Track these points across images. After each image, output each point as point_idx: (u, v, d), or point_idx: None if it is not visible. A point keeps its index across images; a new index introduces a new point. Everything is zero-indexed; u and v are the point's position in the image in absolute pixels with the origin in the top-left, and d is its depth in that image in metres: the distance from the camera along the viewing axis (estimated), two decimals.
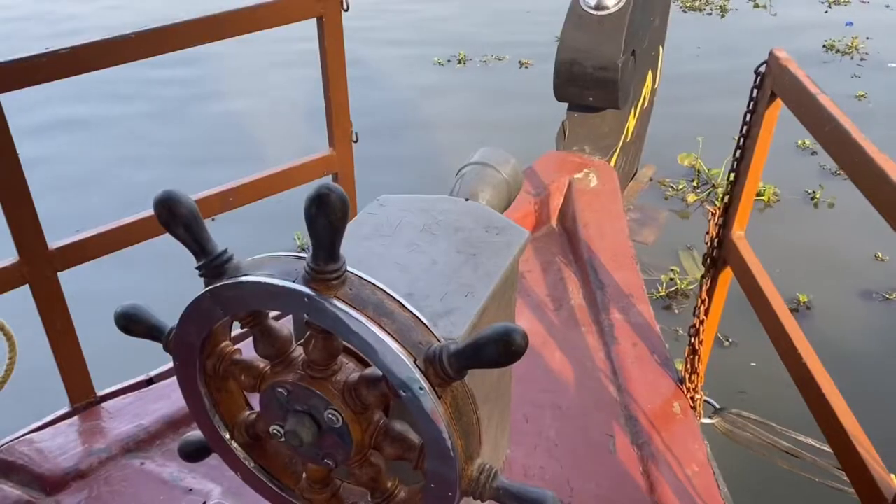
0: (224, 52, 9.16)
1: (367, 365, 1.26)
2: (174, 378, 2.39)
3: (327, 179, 1.89)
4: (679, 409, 2.23)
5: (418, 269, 1.45)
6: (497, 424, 1.83)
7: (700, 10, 10.83)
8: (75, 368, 2.21)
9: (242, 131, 7.59)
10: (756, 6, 10.83)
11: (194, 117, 7.96)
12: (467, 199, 1.70)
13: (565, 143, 3.76)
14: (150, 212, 2.24)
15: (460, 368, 1.06)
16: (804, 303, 4.76)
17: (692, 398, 2.35)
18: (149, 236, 2.19)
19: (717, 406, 2.61)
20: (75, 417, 2.21)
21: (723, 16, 10.63)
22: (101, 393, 2.31)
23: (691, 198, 6.06)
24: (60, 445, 2.06)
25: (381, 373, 1.17)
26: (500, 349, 1.00)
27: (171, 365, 2.47)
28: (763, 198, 5.90)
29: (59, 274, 2.07)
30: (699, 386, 2.38)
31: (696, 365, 2.37)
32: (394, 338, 1.08)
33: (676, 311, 4.69)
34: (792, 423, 2.65)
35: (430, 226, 1.58)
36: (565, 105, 3.78)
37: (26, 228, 1.99)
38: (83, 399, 2.26)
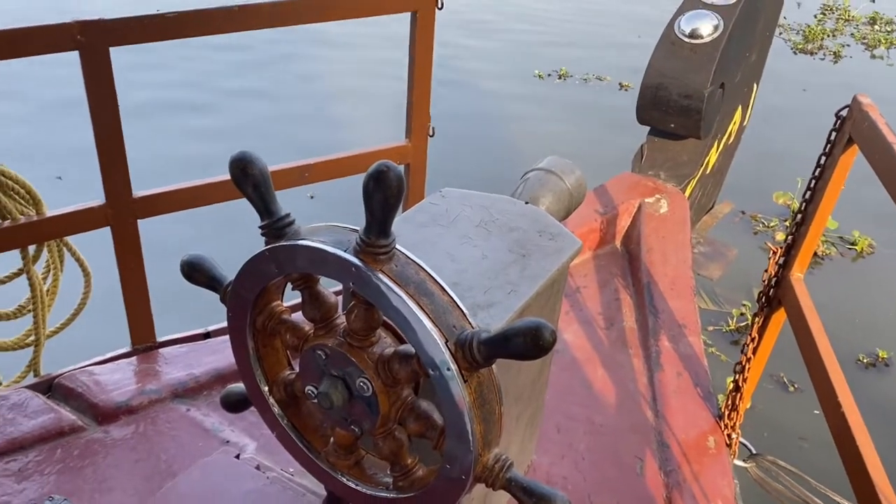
0: (325, 37, 9.45)
1: (402, 342, 1.32)
2: (228, 336, 2.52)
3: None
4: (713, 444, 2.21)
5: (467, 261, 1.49)
6: (526, 426, 1.86)
7: (812, 54, 10.56)
8: (141, 312, 2.35)
9: (330, 114, 7.80)
10: (873, 57, 10.48)
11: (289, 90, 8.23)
12: (527, 203, 1.73)
13: (641, 166, 3.75)
14: (227, 176, 2.37)
15: (489, 356, 1.10)
16: (883, 359, 4.65)
17: (729, 436, 2.32)
18: (223, 199, 2.31)
19: (754, 451, 2.56)
20: (134, 358, 2.35)
21: (835, 61, 10.34)
22: (160, 339, 2.45)
23: (779, 236, 5.97)
24: (116, 381, 2.19)
25: (413, 350, 1.22)
26: (528, 342, 1.04)
27: (226, 323, 2.59)
28: (856, 247, 5.85)
29: (138, 221, 2.20)
30: (737, 424, 2.35)
31: (738, 403, 2.34)
32: (430, 317, 1.13)
33: None
34: (840, 482, 2.58)
35: (486, 222, 1.62)
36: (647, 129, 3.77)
37: (116, 176, 2.13)
38: (143, 342, 2.40)
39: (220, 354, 2.35)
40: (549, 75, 9.29)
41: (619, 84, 9.04)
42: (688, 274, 3.07)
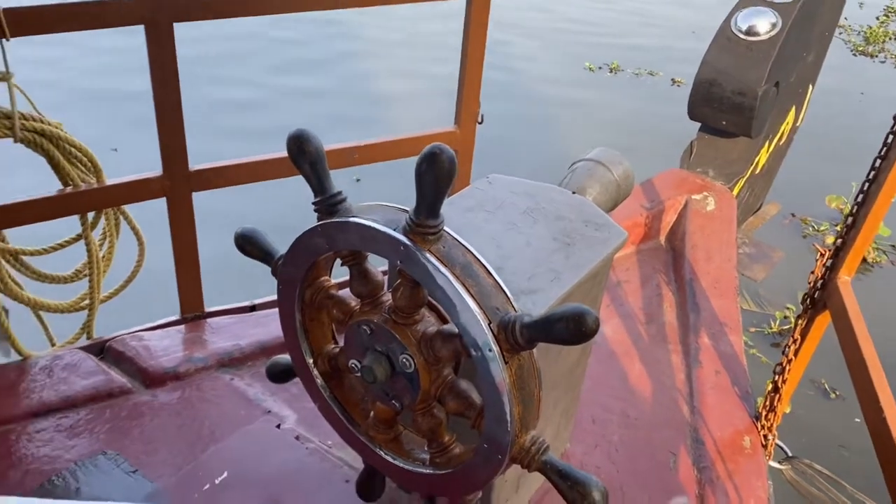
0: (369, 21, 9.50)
1: (445, 322, 1.35)
2: (274, 309, 2.58)
3: None
4: (749, 444, 2.20)
5: (512, 247, 1.51)
6: (562, 414, 1.88)
7: (872, 57, 10.28)
8: (191, 282, 2.42)
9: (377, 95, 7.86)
10: None
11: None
12: (574, 193, 1.74)
13: (690, 162, 3.71)
14: (281, 154, 2.43)
15: (530, 339, 1.12)
16: None
17: (765, 437, 2.31)
18: (275, 176, 2.37)
19: (790, 453, 2.54)
20: (182, 326, 2.42)
21: None
22: (208, 309, 2.52)
23: (829, 240, 5.87)
24: (165, 347, 2.26)
25: (456, 330, 1.25)
26: (572, 328, 1.06)
27: (272, 297, 2.66)
28: None
29: (193, 194, 2.27)
30: (774, 426, 2.33)
31: (776, 404, 2.32)
32: (474, 299, 1.15)
33: None
34: (880, 491, 2.55)
35: (532, 210, 1.64)
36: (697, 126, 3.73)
37: (174, 149, 2.19)
38: (192, 311, 2.47)
39: (265, 327, 2.41)
40: (601, 68, 9.23)
41: (672, 80, 8.93)
42: (732, 273, 3.04)
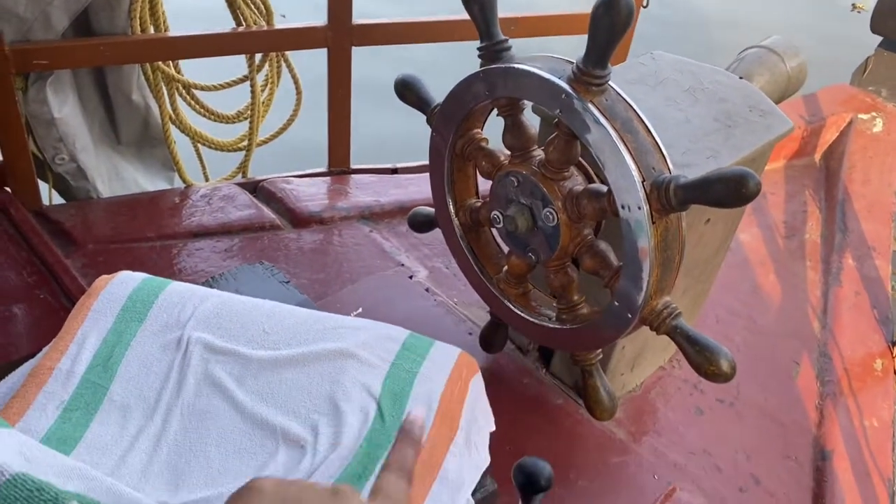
0: None
1: (592, 183, 1.36)
2: (413, 175, 2.66)
3: None
4: (881, 367, 2.13)
5: (670, 122, 1.49)
6: (688, 305, 1.88)
7: None
8: (341, 137, 2.52)
9: None
10: None
11: None
12: (741, 78, 1.68)
13: (862, 79, 3.44)
14: (441, 17, 2.44)
15: (684, 200, 1.12)
16: None
17: None
18: (436, 39, 2.39)
19: None
20: (328, 178, 2.55)
21: None
22: (353, 166, 2.63)
23: None
24: (312, 194, 2.40)
25: (604, 190, 1.26)
26: (731, 188, 1.04)
27: (412, 163, 2.74)
28: None
29: (353, 49, 2.33)
30: None
31: None
32: (631, 155, 1.15)
33: None
34: None
35: (694, 89, 1.59)
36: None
37: (341, 1, 2.25)
38: (339, 165, 2.59)
39: (405, 189, 2.50)
40: None
41: (852, 5, 8.16)
42: (890, 200, 2.86)
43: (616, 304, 1.27)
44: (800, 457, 1.82)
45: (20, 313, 1.83)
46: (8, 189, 2.18)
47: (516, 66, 1.26)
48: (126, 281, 1.24)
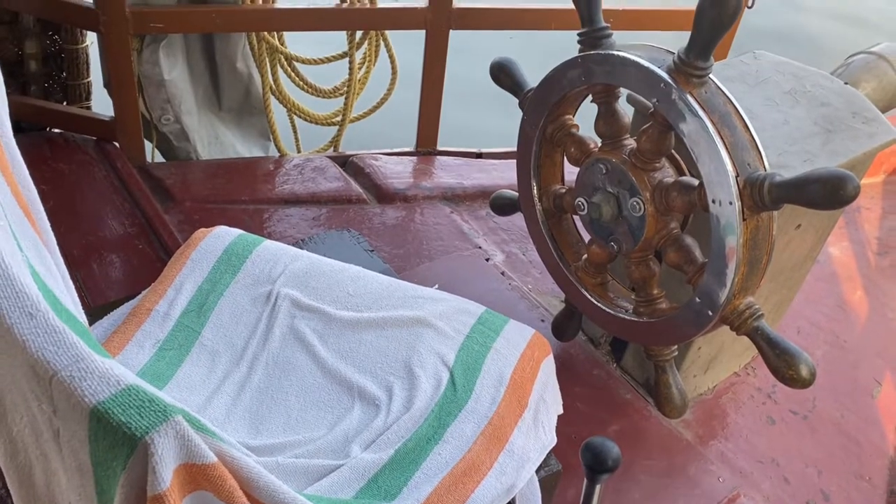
0: None
1: (683, 176, 1.35)
2: (497, 161, 2.68)
3: None
4: None
5: (767, 122, 1.46)
6: (770, 311, 1.84)
7: None
8: (431, 118, 2.56)
9: None
10: None
11: None
12: (846, 84, 1.63)
13: None
14: (539, 5, 2.45)
15: (778, 199, 1.10)
16: None
17: None
18: (531, 27, 2.41)
19: None
20: (415, 158, 2.59)
21: None
22: (440, 148, 2.67)
23: None
24: (398, 172, 2.45)
25: (695, 183, 1.25)
26: (827, 190, 1.02)
27: (497, 149, 2.76)
28: None
29: (451, 32, 2.36)
30: None
31: None
32: (727, 150, 1.14)
33: None
34: None
35: (796, 91, 1.56)
36: None
37: None
38: (426, 146, 2.63)
39: (488, 174, 2.52)
40: None
41: None
42: None
43: (697, 300, 1.27)
44: (874, 479, 1.76)
45: (119, 260, 1.94)
46: (116, 144, 2.31)
47: (616, 52, 1.26)
48: (223, 235, 1.31)
